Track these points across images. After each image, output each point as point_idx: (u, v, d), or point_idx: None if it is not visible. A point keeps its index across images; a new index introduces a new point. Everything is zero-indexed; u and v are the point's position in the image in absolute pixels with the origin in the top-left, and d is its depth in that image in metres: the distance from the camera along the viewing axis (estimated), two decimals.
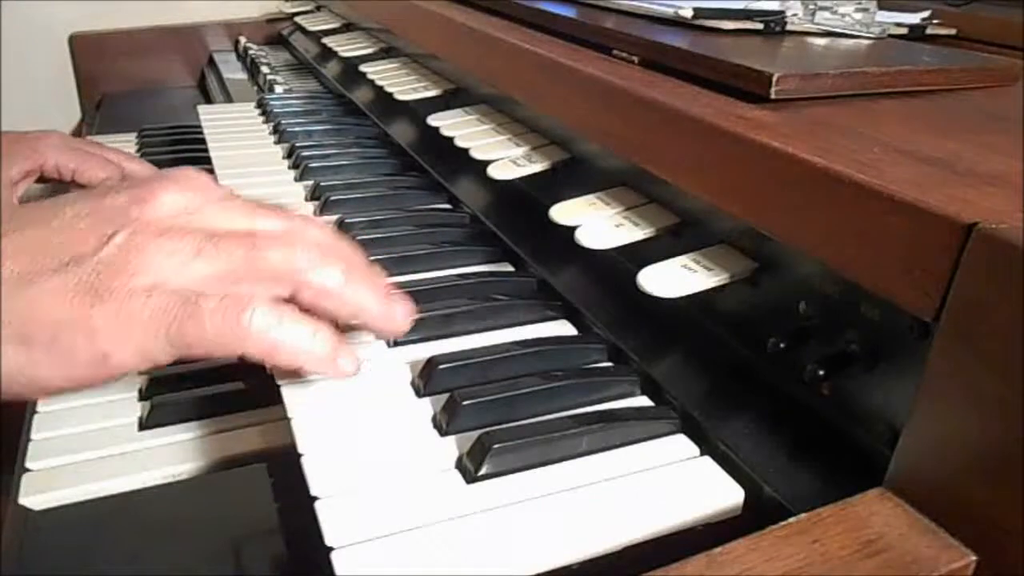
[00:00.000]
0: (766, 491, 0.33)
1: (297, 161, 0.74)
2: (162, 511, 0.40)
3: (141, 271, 0.33)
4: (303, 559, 0.36)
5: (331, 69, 1.04)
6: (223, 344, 0.34)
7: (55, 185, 0.74)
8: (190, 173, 0.39)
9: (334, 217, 0.61)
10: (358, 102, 0.90)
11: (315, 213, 0.64)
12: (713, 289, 0.40)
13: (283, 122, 0.84)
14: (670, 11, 0.56)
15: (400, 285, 0.49)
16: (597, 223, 0.46)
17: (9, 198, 0.67)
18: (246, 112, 0.93)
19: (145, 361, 0.34)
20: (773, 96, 0.40)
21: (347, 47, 0.99)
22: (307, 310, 0.37)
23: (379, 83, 0.82)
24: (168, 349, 0.33)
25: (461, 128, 0.64)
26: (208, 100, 1.17)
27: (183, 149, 0.88)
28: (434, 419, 0.39)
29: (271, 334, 0.34)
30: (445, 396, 0.39)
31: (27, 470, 0.40)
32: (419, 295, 0.48)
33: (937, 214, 0.26)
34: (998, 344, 0.25)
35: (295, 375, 0.40)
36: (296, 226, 0.38)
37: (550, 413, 0.39)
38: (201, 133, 0.85)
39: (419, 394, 0.41)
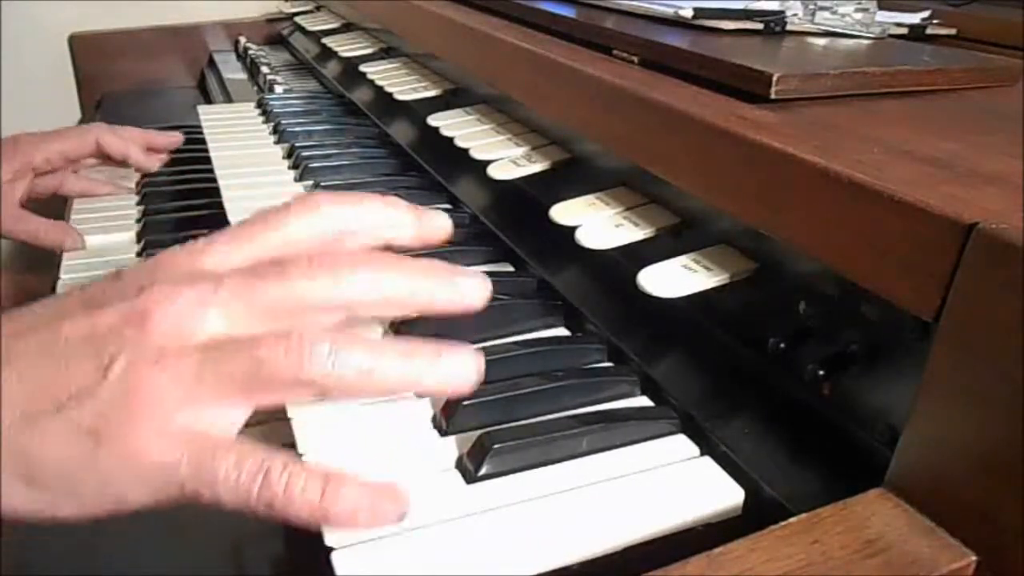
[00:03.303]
0: (766, 491, 0.33)
1: (297, 161, 0.74)
2: (162, 511, 0.40)
3: (144, 412, 0.31)
4: (303, 559, 0.36)
5: (331, 69, 1.04)
6: (237, 508, 0.31)
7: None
8: (179, 260, 0.34)
9: None
10: (358, 102, 0.90)
11: None
12: (713, 289, 0.40)
13: (283, 122, 0.84)
14: (670, 11, 0.56)
15: None
16: (597, 223, 0.46)
17: (10, 196, 0.67)
18: (246, 112, 0.93)
19: (160, 505, 0.32)
20: (773, 96, 0.40)
21: (347, 47, 0.99)
22: None
23: (379, 83, 0.82)
24: (181, 499, 0.32)
25: (461, 128, 0.64)
26: (208, 100, 1.17)
27: (183, 149, 0.88)
28: (434, 419, 0.39)
29: (279, 502, 0.31)
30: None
31: None
32: None
33: (937, 214, 0.26)
34: (998, 344, 0.25)
35: None
36: (301, 290, 0.33)
37: (550, 413, 0.39)
38: (201, 133, 0.85)
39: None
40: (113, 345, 0.31)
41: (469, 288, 0.36)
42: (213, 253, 0.35)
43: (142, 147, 0.76)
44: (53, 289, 0.59)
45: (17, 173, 0.68)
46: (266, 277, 0.33)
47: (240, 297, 0.33)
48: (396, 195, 0.67)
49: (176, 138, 0.78)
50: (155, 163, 0.77)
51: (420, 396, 0.39)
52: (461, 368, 0.34)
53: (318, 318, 0.33)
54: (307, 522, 0.31)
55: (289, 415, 0.38)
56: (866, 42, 0.54)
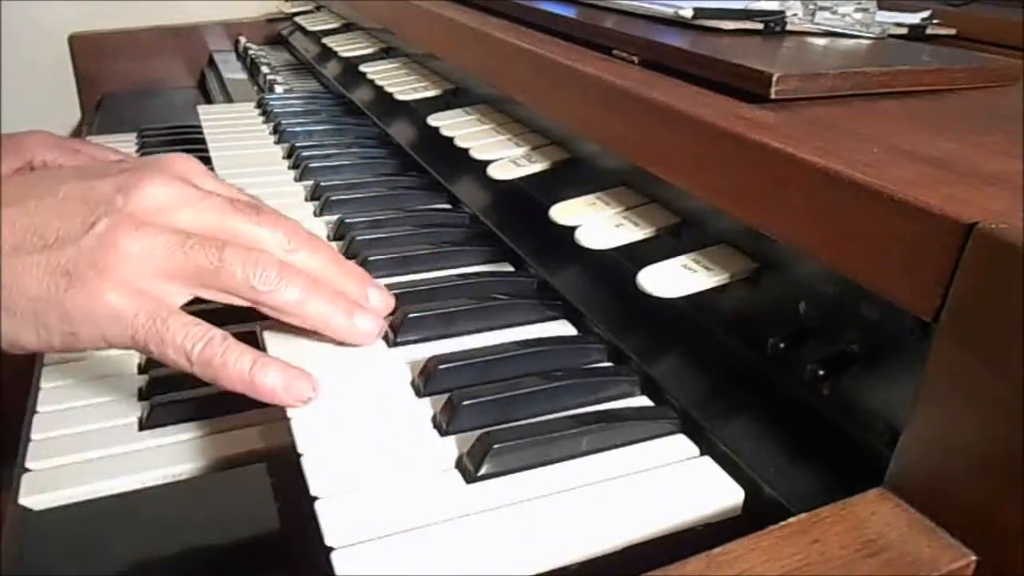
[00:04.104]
0: (766, 491, 0.33)
1: (297, 161, 0.74)
2: (162, 511, 0.40)
3: (114, 266, 0.36)
4: (303, 559, 0.36)
5: (331, 69, 1.04)
6: (176, 365, 0.38)
7: None
8: (177, 164, 0.42)
9: (334, 217, 0.61)
10: (358, 102, 0.90)
11: (315, 213, 0.64)
12: (713, 289, 0.40)
13: (283, 122, 0.84)
14: (670, 11, 0.56)
15: (400, 285, 0.49)
16: (597, 223, 0.46)
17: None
18: (246, 112, 0.93)
19: (110, 346, 0.38)
20: (773, 96, 0.40)
21: (347, 47, 0.99)
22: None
23: (379, 83, 0.82)
24: (130, 347, 0.37)
25: (461, 128, 0.64)
26: (208, 100, 1.17)
27: (183, 149, 0.87)
28: (434, 419, 0.39)
29: (215, 362, 0.38)
30: (445, 396, 0.39)
31: (27, 470, 0.40)
32: (419, 295, 0.49)
33: (937, 214, 0.26)
34: (998, 344, 0.25)
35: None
36: (264, 234, 0.41)
37: (550, 413, 0.39)
38: (201, 133, 0.85)
39: (419, 394, 0.40)
40: (102, 206, 0.37)
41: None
42: (209, 177, 0.43)
43: None
44: None
45: (19, 172, 0.68)
46: (243, 212, 0.41)
47: (217, 213, 0.40)
48: (396, 195, 0.67)
49: None
50: None
51: (333, 336, 0.43)
52: (367, 327, 0.42)
53: (275, 241, 0.41)
54: (235, 387, 0.38)
55: (289, 415, 0.38)
56: (866, 42, 0.54)
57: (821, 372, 0.34)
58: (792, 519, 0.27)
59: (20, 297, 0.36)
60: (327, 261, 0.43)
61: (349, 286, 0.44)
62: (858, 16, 0.56)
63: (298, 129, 0.83)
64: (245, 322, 0.46)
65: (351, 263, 0.46)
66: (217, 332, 0.38)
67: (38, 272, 0.36)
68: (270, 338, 0.43)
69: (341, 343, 0.43)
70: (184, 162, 0.43)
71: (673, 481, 0.35)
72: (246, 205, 0.42)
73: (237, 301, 0.40)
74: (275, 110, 0.89)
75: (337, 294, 0.42)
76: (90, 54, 1.27)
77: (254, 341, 0.41)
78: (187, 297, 0.39)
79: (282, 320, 0.41)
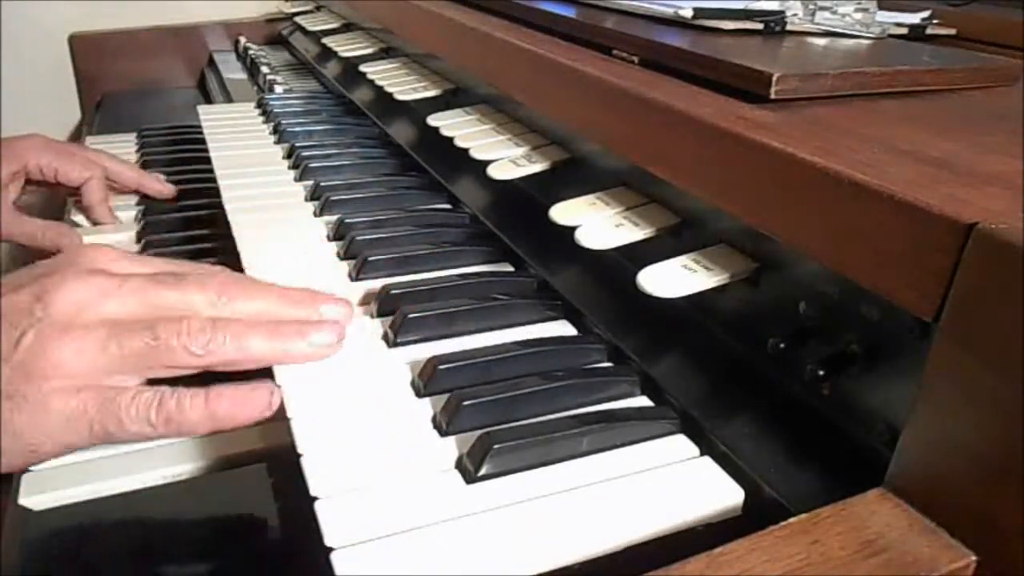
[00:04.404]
0: (766, 491, 0.33)
1: (297, 161, 0.74)
2: (162, 511, 0.40)
3: (51, 374, 0.36)
4: (303, 559, 0.36)
5: (331, 69, 1.04)
6: (141, 438, 0.38)
7: (48, 190, 0.74)
8: (87, 255, 0.41)
9: (334, 217, 0.61)
10: (358, 102, 0.90)
11: (315, 213, 0.64)
12: (713, 289, 0.40)
13: (283, 122, 0.84)
14: (670, 11, 0.56)
15: (400, 285, 0.49)
16: (597, 223, 0.46)
17: (6, 199, 0.67)
18: (246, 112, 0.93)
19: (74, 451, 0.38)
20: (773, 96, 0.40)
21: (347, 47, 0.99)
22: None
23: (379, 83, 0.82)
24: (93, 441, 0.38)
25: (461, 128, 0.64)
26: (208, 100, 1.17)
27: (183, 149, 0.88)
28: (434, 419, 0.39)
29: (176, 420, 0.38)
30: (445, 396, 0.39)
31: (27, 470, 0.40)
32: (419, 295, 0.49)
33: (937, 214, 0.26)
34: (998, 344, 0.25)
35: (295, 375, 0.41)
36: (192, 299, 0.40)
37: (550, 413, 0.39)
38: (201, 133, 0.85)
39: (419, 394, 0.40)
40: (25, 320, 0.37)
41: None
42: (123, 259, 0.43)
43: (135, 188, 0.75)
44: None
45: (15, 175, 0.68)
46: (164, 284, 0.40)
47: (140, 295, 0.39)
48: (396, 195, 0.67)
49: (168, 189, 0.76)
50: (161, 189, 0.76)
51: (297, 362, 0.42)
52: (324, 339, 0.42)
53: (198, 302, 0.40)
54: (202, 427, 0.38)
55: (289, 415, 0.38)
56: (866, 42, 0.54)
57: (821, 372, 0.34)
58: (792, 519, 0.27)
59: None
60: (267, 301, 0.42)
61: (299, 313, 0.43)
62: (858, 16, 0.56)
63: (298, 129, 0.83)
64: None
65: (294, 289, 0.44)
66: (164, 388, 0.38)
67: None
68: None
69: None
70: (94, 252, 0.42)
71: (673, 481, 0.35)
72: (167, 275, 0.41)
73: (185, 372, 0.39)
74: (275, 110, 0.89)
75: (278, 324, 0.41)
76: (90, 54, 1.27)
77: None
78: (137, 383, 0.39)
79: (243, 371, 0.40)
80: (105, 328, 0.38)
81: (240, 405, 0.39)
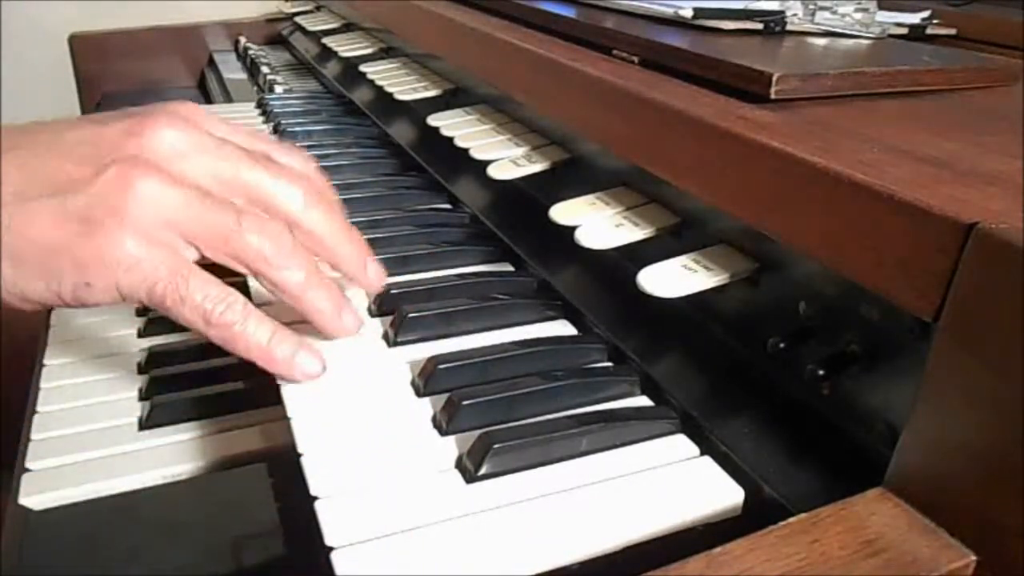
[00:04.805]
0: (766, 491, 0.33)
1: None
2: (162, 511, 0.40)
3: (131, 211, 0.34)
4: (303, 559, 0.36)
5: (331, 69, 1.04)
6: (191, 325, 0.36)
7: None
8: (187, 110, 0.40)
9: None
10: (358, 102, 0.90)
11: None
12: (713, 289, 0.40)
13: (283, 122, 0.84)
14: (670, 11, 0.56)
15: (400, 285, 0.49)
16: (597, 223, 0.46)
17: None
18: (246, 112, 0.93)
19: (120, 301, 0.36)
20: (773, 96, 0.40)
21: (347, 47, 0.99)
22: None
23: (379, 83, 0.82)
24: (142, 302, 0.36)
25: (461, 128, 0.64)
26: (208, 100, 1.17)
27: None
28: (434, 419, 0.39)
29: (235, 328, 0.36)
30: (445, 396, 0.39)
31: (27, 470, 0.40)
32: (419, 295, 0.49)
33: (937, 214, 0.26)
34: (998, 344, 0.25)
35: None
36: (282, 190, 0.39)
37: (550, 413, 0.39)
38: None
39: (419, 394, 0.41)
40: (114, 153, 0.35)
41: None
42: (220, 122, 0.41)
43: None
44: None
45: None
46: (260, 164, 0.39)
47: (233, 164, 0.38)
48: (396, 195, 0.67)
49: None
50: None
51: (319, 323, 0.41)
52: (351, 323, 0.42)
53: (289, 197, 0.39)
54: (250, 354, 0.37)
55: (289, 415, 0.38)
56: (866, 42, 0.54)
57: (821, 372, 0.34)
58: (792, 519, 0.27)
59: (28, 245, 0.34)
60: (337, 227, 0.42)
61: (351, 255, 0.43)
62: (858, 16, 0.56)
63: (298, 129, 0.83)
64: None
65: (356, 232, 0.44)
66: (238, 296, 0.37)
67: (49, 218, 0.34)
68: None
69: (334, 341, 0.43)
70: (193, 110, 0.40)
71: (673, 481, 0.35)
72: (262, 156, 0.40)
73: (240, 268, 0.38)
74: (275, 110, 0.89)
75: (333, 288, 0.41)
76: (90, 54, 1.27)
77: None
78: (194, 256, 0.37)
79: (275, 296, 0.40)
80: (194, 188, 0.36)
81: (296, 362, 0.38)
